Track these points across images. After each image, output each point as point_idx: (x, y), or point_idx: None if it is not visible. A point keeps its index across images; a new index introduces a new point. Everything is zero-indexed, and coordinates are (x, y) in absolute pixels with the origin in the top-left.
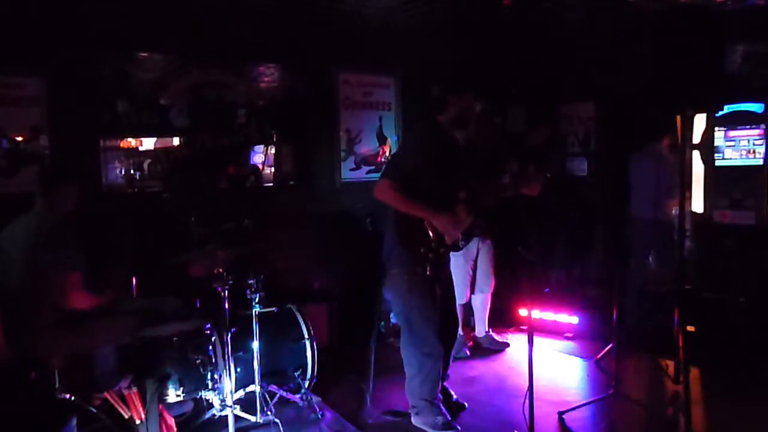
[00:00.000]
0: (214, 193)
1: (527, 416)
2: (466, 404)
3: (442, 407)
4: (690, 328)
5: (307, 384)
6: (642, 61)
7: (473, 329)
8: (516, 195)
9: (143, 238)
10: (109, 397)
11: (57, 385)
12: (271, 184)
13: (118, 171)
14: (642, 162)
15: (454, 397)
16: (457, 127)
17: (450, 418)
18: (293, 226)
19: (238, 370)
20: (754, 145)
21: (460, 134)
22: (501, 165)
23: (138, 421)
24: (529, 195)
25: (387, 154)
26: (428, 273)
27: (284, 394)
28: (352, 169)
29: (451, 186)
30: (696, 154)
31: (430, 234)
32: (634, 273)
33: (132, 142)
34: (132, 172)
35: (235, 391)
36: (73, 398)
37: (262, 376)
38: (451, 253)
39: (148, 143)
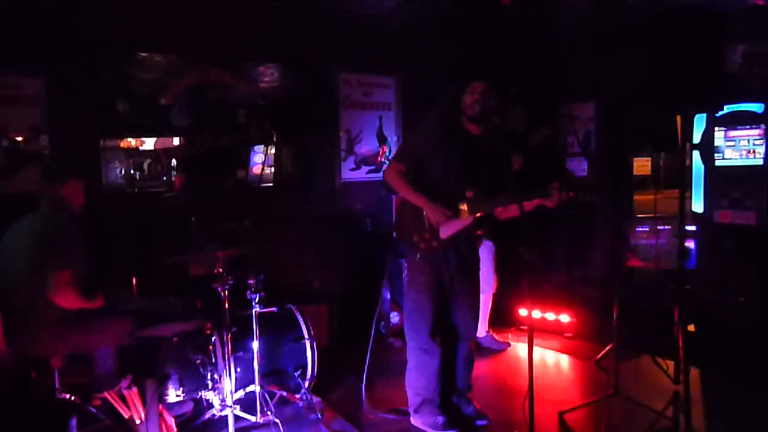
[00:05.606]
0: (214, 193)
1: (527, 416)
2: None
3: (440, 408)
4: (690, 328)
5: (307, 384)
6: (642, 61)
7: None
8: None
9: (143, 238)
10: (109, 397)
11: (57, 385)
12: (271, 184)
13: (118, 171)
14: None
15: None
16: (476, 121)
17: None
18: (293, 226)
19: (238, 370)
20: (754, 145)
21: (480, 128)
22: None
23: (138, 421)
24: (546, 206)
25: (387, 154)
26: (417, 259)
27: (284, 394)
28: (352, 169)
29: (460, 181)
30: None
31: (425, 224)
32: None
33: (132, 142)
34: (132, 172)
35: (235, 391)
36: (73, 398)
37: (262, 376)
38: None
39: (148, 143)
